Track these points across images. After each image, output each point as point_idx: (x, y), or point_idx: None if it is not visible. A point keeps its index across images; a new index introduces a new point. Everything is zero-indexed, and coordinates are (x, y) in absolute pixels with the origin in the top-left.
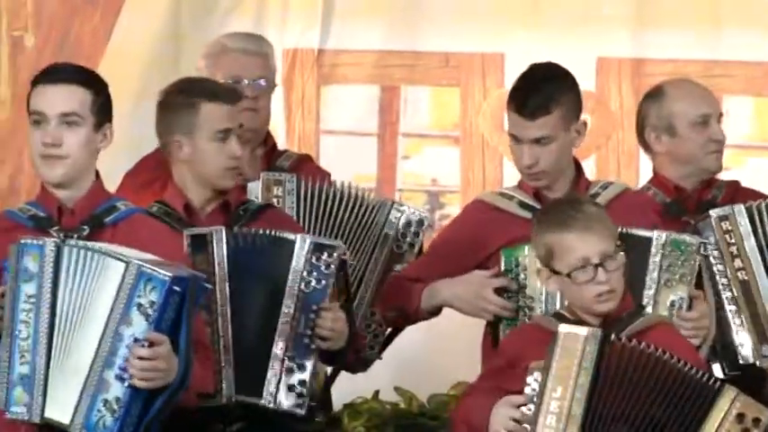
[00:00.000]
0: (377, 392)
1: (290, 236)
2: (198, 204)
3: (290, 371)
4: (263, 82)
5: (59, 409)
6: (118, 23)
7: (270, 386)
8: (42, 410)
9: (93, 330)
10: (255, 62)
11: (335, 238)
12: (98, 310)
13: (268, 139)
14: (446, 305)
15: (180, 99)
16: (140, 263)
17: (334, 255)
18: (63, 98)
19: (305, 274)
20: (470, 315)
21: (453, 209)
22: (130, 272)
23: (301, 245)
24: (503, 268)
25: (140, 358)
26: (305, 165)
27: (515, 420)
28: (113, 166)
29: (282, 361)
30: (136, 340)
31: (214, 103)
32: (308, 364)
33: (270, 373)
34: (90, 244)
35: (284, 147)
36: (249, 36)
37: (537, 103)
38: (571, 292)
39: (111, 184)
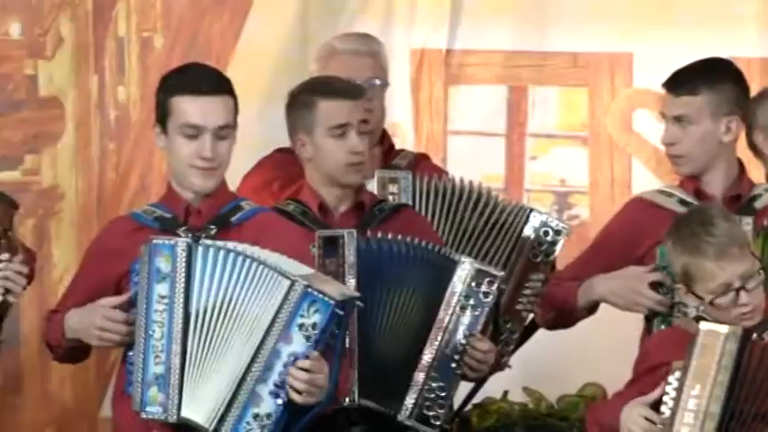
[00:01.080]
0: (506, 393)
1: (454, 255)
2: (331, 204)
3: (430, 391)
4: (376, 82)
5: (197, 409)
6: (246, 25)
7: (409, 402)
8: (179, 410)
9: (245, 340)
10: (366, 62)
11: (459, 237)
12: (252, 320)
13: (385, 139)
14: (601, 300)
15: (300, 98)
16: (306, 283)
17: (495, 285)
18: (219, 111)
19: (463, 298)
20: (625, 310)
21: (581, 210)
22: (295, 291)
23: (464, 267)
24: (659, 264)
25: (300, 378)
26: (422, 163)
27: (648, 420)
28: (241, 168)
29: (425, 380)
30: (295, 359)
31: (330, 100)
32: (450, 388)
33: (410, 390)
34: (230, 245)
35: (413, 147)
36: (358, 36)
37: (685, 81)
38: (713, 314)
39: (237, 186)
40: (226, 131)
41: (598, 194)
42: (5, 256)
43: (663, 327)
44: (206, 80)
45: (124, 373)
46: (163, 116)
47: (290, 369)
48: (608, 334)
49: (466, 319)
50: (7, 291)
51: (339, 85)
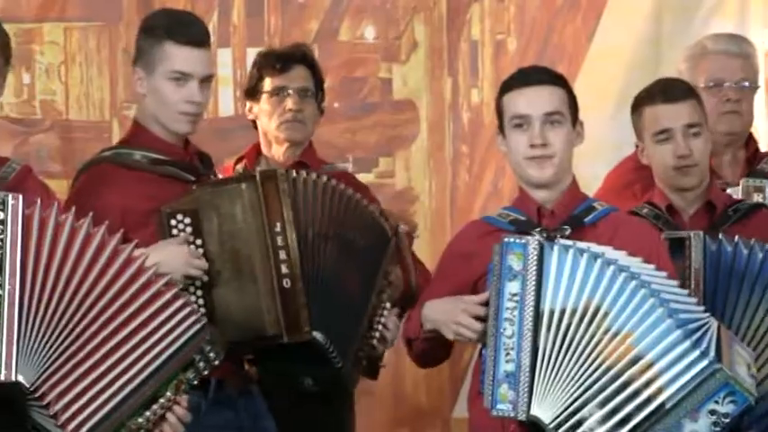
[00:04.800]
0: None
1: None
2: (679, 205)
3: None
4: (746, 84)
5: (547, 409)
6: (600, 25)
7: None
8: (528, 408)
9: (620, 368)
10: (737, 64)
11: None
12: (628, 351)
13: (750, 143)
14: None
15: (634, 106)
16: (728, 373)
17: None
18: (545, 99)
19: None
20: None
21: None
22: (716, 379)
23: None
24: None
25: None
26: None
27: None
28: (593, 169)
29: None
30: None
31: (652, 106)
32: None
33: None
34: (597, 249)
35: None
36: (731, 37)
37: None
38: None
39: (590, 188)
40: (556, 118)
41: None
42: (388, 304)
43: None
44: (533, 73)
45: (479, 372)
46: (500, 119)
47: None
48: None
49: None
50: (382, 338)
51: (657, 89)
